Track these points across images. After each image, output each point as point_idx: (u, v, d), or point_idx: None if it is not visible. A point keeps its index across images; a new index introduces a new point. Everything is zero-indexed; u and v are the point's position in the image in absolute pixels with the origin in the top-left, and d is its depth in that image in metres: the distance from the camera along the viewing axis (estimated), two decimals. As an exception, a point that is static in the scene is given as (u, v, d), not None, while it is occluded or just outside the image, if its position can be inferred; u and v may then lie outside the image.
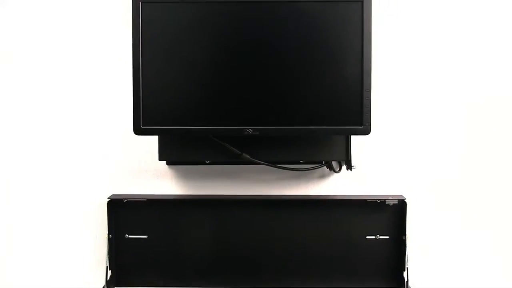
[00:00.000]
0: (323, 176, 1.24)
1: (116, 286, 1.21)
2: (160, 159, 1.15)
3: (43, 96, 1.23)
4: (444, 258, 1.24)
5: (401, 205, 1.18)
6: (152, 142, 1.16)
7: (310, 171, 1.21)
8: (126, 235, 1.21)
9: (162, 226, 1.21)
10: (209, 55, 1.04)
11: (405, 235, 1.18)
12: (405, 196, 1.19)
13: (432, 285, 1.24)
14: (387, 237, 1.20)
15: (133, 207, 1.20)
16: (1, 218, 1.26)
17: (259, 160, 1.13)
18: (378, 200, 1.18)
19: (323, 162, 1.20)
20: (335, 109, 1.03)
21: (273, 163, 1.16)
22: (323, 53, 1.03)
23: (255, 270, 1.22)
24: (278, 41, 1.03)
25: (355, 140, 1.17)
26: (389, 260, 1.20)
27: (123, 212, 1.20)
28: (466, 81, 1.22)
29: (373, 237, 1.20)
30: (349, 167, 1.16)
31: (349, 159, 1.15)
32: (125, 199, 1.20)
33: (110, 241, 1.19)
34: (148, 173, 1.24)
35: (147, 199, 1.20)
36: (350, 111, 1.03)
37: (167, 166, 1.23)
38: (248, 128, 1.03)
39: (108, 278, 1.19)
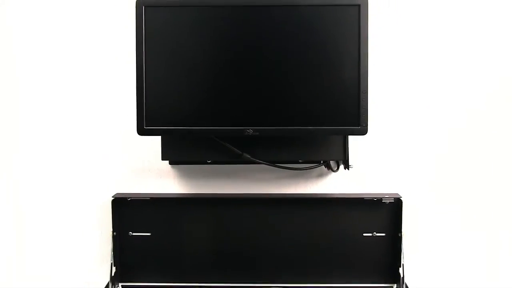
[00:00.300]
0: (321, 175, 1.25)
1: (120, 282, 1.23)
2: (163, 159, 1.16)
3: (50, 97, 1.25)
4: (438, 255, 1.25)
5: (397, 203, 1.19)
6: (155, 142, 1.16)
7: (308, 170, 1.22)
8: (130, 232, 1.22)
9: (165, 224, 1.22)
10: (211, 57, 1.05)
11: (401, 232, 1.19)
12: (401, 195, 1.20)
13: (427, 281, 1.25)
14: (384, 234, 1.21)
15: (137, 206, 1.21)
16: (8, 217, 1.27)
17: (259, 160, 1.14)
18: (375, 198, 1.19)
19: (321, 161, 1.20)
20: (333, 110, 1.04)
21: (273, 162, 1.16)
22: (321, 56, 1.03)
23: (255, 267, 1.23)
24: (278, 44, 1.03)
25: (353, 140, 1.17)
26: (385, 257, 1.21)
27: (127, 211, 1.21)
28: (460, 82, 1.22)
29: (370, 234, 1.21)
30: (347, 166, 1.17)
31: (346, 158, 1.16)
32: (129, 198, 1.21)
33: (114, 238, 1.20)
34: (151, 172, 1.25)
35: (150, 197, 1.21)
36: (347, 112, 1.04)
37: (169, 165, 1.24)
38: (248, 129, 1.04)
39: (112, 274, 1.20)
